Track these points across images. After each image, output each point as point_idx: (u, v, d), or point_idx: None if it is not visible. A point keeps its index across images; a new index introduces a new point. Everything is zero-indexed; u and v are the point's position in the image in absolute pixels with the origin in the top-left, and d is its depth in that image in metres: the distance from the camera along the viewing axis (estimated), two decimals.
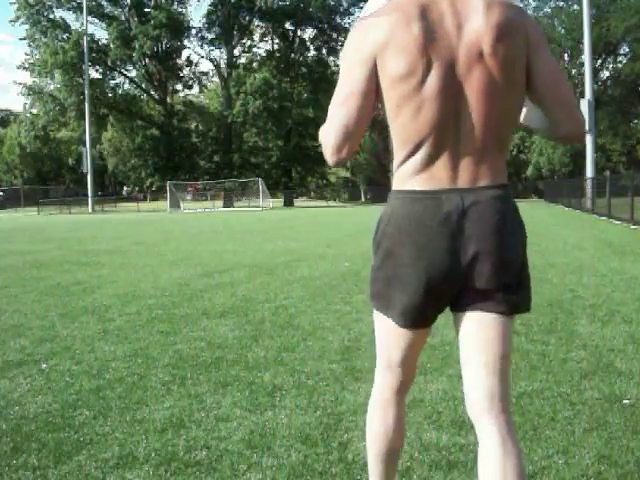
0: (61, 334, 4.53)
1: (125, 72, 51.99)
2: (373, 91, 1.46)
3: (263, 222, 22.10)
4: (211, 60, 52.74)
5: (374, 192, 52.16)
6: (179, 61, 52.30)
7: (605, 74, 53.35)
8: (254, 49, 53.24)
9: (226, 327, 4.64)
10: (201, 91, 59.24)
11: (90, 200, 46.44)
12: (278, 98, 46.54)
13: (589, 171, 26.42)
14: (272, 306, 5.40)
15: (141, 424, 2.75)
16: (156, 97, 52.23)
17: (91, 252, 11.09)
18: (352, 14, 50.63)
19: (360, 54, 1.46)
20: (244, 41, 52.31)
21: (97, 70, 51.01)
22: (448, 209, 1.43)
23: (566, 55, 54.66)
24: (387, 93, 1.45)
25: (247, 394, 3.11)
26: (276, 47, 52.80)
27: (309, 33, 53.77)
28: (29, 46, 50.28)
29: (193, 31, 51.44)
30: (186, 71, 53.14)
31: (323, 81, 46.21)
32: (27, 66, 50.38)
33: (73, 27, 49.25)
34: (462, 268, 1.44)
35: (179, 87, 54.94)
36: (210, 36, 51.25)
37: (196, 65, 62.10)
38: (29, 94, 52.58)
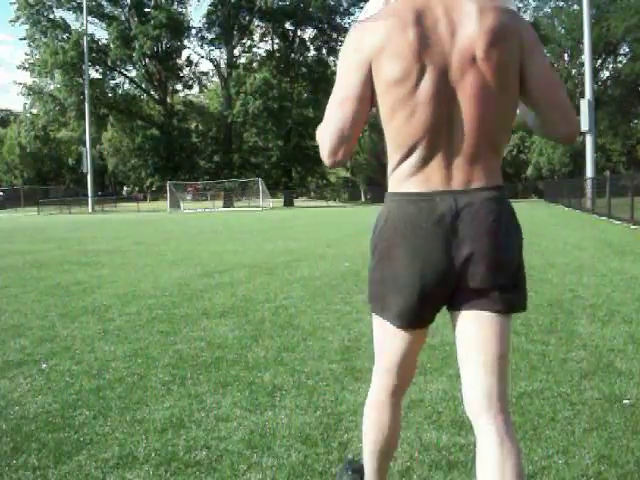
0: (61, 334, 4.53)
1: (125, 72, 52.06)
2: (368, 95, 1.49)
3: (263, 222, 22.10)
4: (211, 60, 52.82)
5: (374, 192, 52.15)
6: (179, 61, 52.33)
7: (605, 74, 53.41)
8: (254, 49, 53.33)
9: (226, 327, 4.64)
10: (201, 91, 59.27)
11: (90, 200, 46.45)
12: (278, 98, 46.54)
13: (589, 171, 26.44)
14: (272, 306, 5.40)
15: (141, 424, 2.75)
16: (156, 97, 52.24)
17: (91, 252, 11.09)
18: (352, 14, 50.70)
19: (356, 58, 1.49)
20: (244, 41, 52.32)
21: (97, 70, 51.04)
22: (442, 211, 1.45)
23: (566, 55, 54.73)
24: (382, 97, 1.48)
25: (247, 394, 3.11)
26: (276, 47, 52.83)
27: (309, 33, 53.87)
28: (29, 46, 50.35)
29: (193, 31, 51.51)
30: (186, 71, 53.23)
31: (323, 81, 46.17)
32: (27, 66, 50.39)
33: (73, 27, 49.35)
34: (456, 269, 1.46)
35: (179, 87, 55.04)
36: (210, 36, 51.29)
37: (196, 65, 62.22)
38: (29, 94, 52.59)
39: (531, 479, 2.19)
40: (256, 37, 53.08)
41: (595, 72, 42.13)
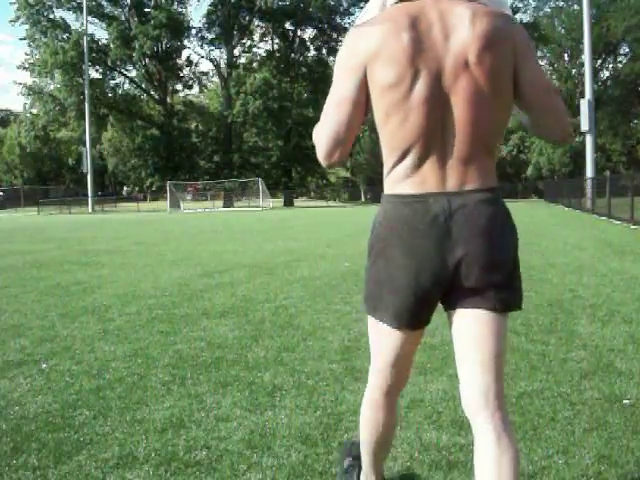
0: (61, 334, 4.54)
1: (125, 72, 52.06)
2: (363, 100, 1.52)
3: (263, 222, 22.11)
4: (211, 60, 52.81)
5: (374, 192, 52.17)
6: (179, 61, 52.31)
7: (605, 74, 53.39)
8: (254, 49, 53.30)
9: (226, 327, 4.64)
10: (201, 91, 59.28)
11: (90, 200, 46.44)
12: (278, 98, 46.52)
13: (589, 171, 26.43)
14: (272, 306, 5.40)
15: (141, 424, 2.75)
16: (156, 97, 52.23)
17: (91, 252, 11.09)
18: (352, 14, 50.70)
19: (352, 62, 1.51)
20: (244, 41, 52.31)
21: (97, 70, 51.03)
22: (435, 212, 1.47)
23: (566, 55, 54.73)
24: (376, 101, 1.50)
25: (247, 394, 3.11)
26: (276, 47, 52.80)
27: (309, 33, 53.85)
28: (29, 46, 50.34)
29: (193, 31, 51.49)
30: (186, 71, 53.21)
31: (323, 81, 46.13)
32: (27, 66, 50.39)
33: (73, 27, 49.33)
34: (450, 269, 1.48)
35: (179, 87, 55.03)
36: (210, 36, 51.28)
37: (196, 65, 62.26)
38: (29, 94, 52.59)
39: (531, 479, 2.19)
40: (256, 37, 53.13)
41: (595, 72, 42.13)
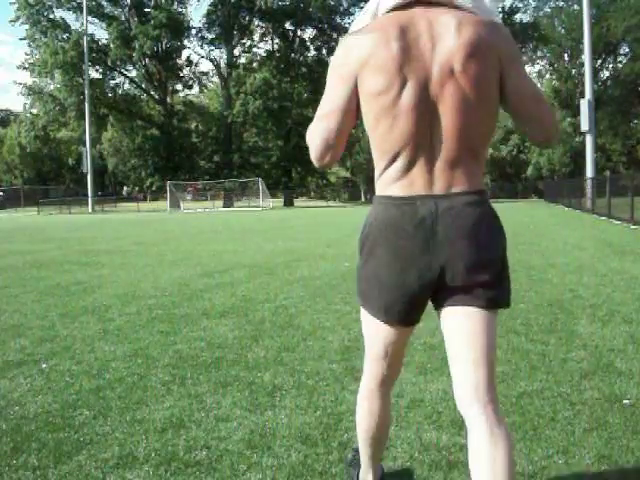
0: (61, 334, 4.54)
1: (125, 72, 52.02)
2: (353, 107, 1.59)
3: (263, 222, 22.11)
4: (211, 60, 52.76)
5: (374, 192, 52.00)
6: (179, 61, 52.27)
7: (605, 74, 53.36)
8: (254, 49, 53.22)
9: (226, 327, 4.64)
10: (201, 91, 59.26)
11: (90, 200, 46.43)
12: (278, 98, 46.49)
13: (589, 171, 26.43)
14: (272, 306, 5.40)
15: (141, 424, 2.75)
16: (156, 97, 52.21)
17: (91, 252, 11.09)
18: (352, 14, 50.62)
19: (343, 71, 1.58)
20: (244, 41, 52.27)
21: (97, 70, 50.99)
22: (422, 214, 1.53)
23: (566, 55, 54.71)
24: (366, 107, 1.57)
25: (247, 394, 3.11)
26: (276, 47, 52.76)
27: (309, 33, 53.78)
28: (29, 46, 50.28)
29: (193, 31, 51.43)
30: (186, 71, 53.17)
31: (323, 81, 45.89)
32: (27, 66, 50.36)
33: (73, 27, 49.30)
34: (436, 270, 1.54)
35: (179, 87, 54.98)
36: (210, 36, 51.23)
37: (196, 65, 62.18)
38: (29, 94, 52.57)
39: (531, 479, 2.19)
40: (256, 37, 53.06)
41: (595, 72, 42.13)
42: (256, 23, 51.99)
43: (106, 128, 55.77)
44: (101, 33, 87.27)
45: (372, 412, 1.82)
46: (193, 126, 54.53)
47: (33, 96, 52.31)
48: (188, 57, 54.77)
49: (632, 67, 48.82)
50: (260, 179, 44.50)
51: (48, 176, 72.65)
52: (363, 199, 58.67)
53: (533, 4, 54.82)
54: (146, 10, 48.97)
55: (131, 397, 3.12)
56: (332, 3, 50.63)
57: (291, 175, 51.93)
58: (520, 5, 55.20)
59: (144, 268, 8.41)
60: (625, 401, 2.87)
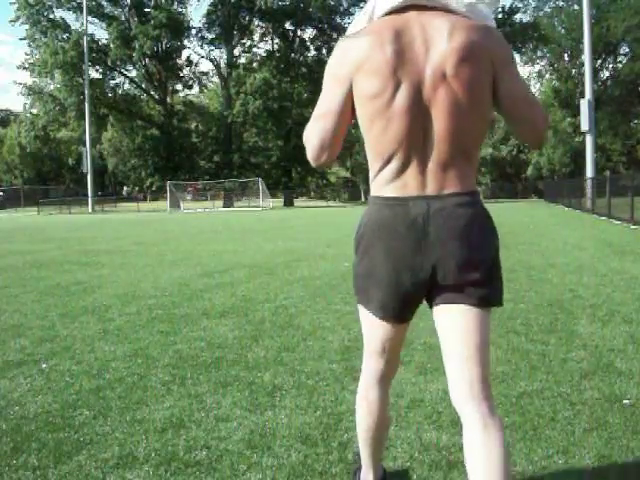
0: (61, 334, 4.54)
1: (125, 72, 52.00)
2: (348, 109, 1.63)
3: (263, 222, 22.11)
4: (211, 60, 52.73)
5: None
6: (179, 61, 52.25)
7: (605, 74, 53.35)
8: (254, 49, 53.17)
9: (226, 327, 4.64)
10: (201, 91, 59.23)
11: (90, 200, 46.43)
12: (278, 98, 46.49)
13: (589, 171, 26.42)
14: (272, 306, 5.40)
15: (141, 424, 2.75)
16: (156, 97, 52.20)
17: (91, 252, 11.10)
18: (352, 14, 50.55)
19: (339, 73, 1.62)
20: (244, 41, 52.25)
21: (97, 70, 50.96)
22: (414, 215, 1.56)
23: (566, 55, 54.70)
24: (361, 109, 1.60)
25: (247, 394, 3.11)
26: (276, 47, 52.74)
27: (309, 33, 53.76)
28: (29, 46, 50.25)
29: (193, 31, 51.40)
30: (186, 71, 53.14)
31: (323, 81, 46.02)
32: (27, 66, 50.33)
33: (73, 27, 49.26)
34: (428, 269, 1.57)
35: (179, 87, 54.96)
36: (210, 36, 51.21)
37: (196, 65, 62.13)
38: (29, 94, 52.57)
39: (531, 479, 2.19)
40: (256, 37, 53.03)
41: (595, 72, 42.12)
42: (256, 23, 51.98)
43: (106, 128, 55.77)
44: (101, 33, 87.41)
45: (371, 410, 1.85)
46: (193, 126, 54.51)
47: (33, 96, 52.31)
48: (188, 57, 54.78)
49: (632, 67, 48.82)
50: (260, 179, 44.49)
51: (48, 176, 72.65)
52: (363, 199, 58.67)
53: (533, 4, 54.70)
54: (146, 10, 48.94)
55: (131, 397, 3.12)
56: (332, 3, 50.60)
57: (291, 175, 51.91)
58: (520, 5, 55.15)
59: (144, 268, 8.41)
60: (625, 401, 2.87)
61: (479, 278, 1.57)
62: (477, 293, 1.57)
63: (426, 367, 3.43)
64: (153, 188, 52.97)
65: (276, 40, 52.73)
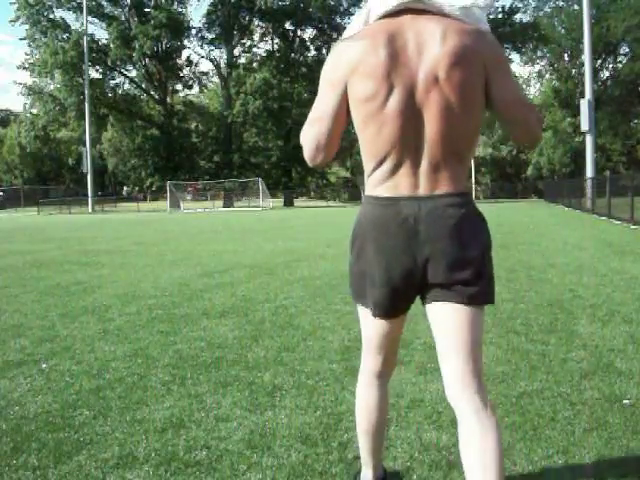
0: (61, 334, 4.54)
1: (125, 72, 51.98)
2: (343, 111, 1.66)
3: (263, 222, 22.11)
4: (211, 60, 52.71)
5: None
6: (179, 61, 52.22)
7: (605, 74, 53.34)
8: (254, 49, 53.14)
9: (226, 327, 4.64)
10: (201, 91, 59.20)
11: (90, 200, 46.41)
12: (278, 98, 46.48)
13: (589, 171, 26.43)
14: (272, 306, 5.40)
15: (141, 424, 2.75)
16: (156, 97, 52.19)
17: (91, 252, 11.10)
18: (352, 14, 50.52)
19: (334, 76, 1.65)
20: (244, 41, 52.23)
21: (97, 70, 50.94)
22: (406, 214, 1.60)
23: (566, 55, 54.70)
24: (355, 111, 1.63)
25: (247, 394, 3.11)
26: (276, 47, 52.72)
27: (309, 33, 53.73)
28: (29, 46, 50.23)
29: (193, 31, 51.36)
30: (186, 71, 53.10)
31: None
32: (27, 66, 50.32)
33: (73, 27, 49.21)
34: (418, 266, 1.61)
35: (179, 87, 54.93)
36: (210, 36, 51.18)
37: (196, 65, 61.99)
38: (29, 94, 52.56)
39: (531, 479, 2.19)
40: (256, 37, 53.00)
41: (595, 72, 42.10)
42: (256, 23, 51.96)
43: (106, 128, 55.76)
44: (101, 33, 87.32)
45: (369, 408, 1.87)
46: (193, 126, 54.49)
47: (33, 96, 52.29)
48: (188, 57, 54.75)
49: (632, 67, 48.81)
50: (260, 179, 44.47)
51: (48, 176, 72.64)
52: (363, 199, 58.60)
53: (533, 4, 54.66)
54: (146, 10, 48.91)
55: (131, 397, 3.12)
56: (332, 3, 50.59)
57: (291, 175, 51.89)
58: (520, 5, 55.04)
59: (144, 268, 8.41)
60: (625, 401, 2.87)
61: (468, 277, 1.60)
62: (467, 292, 1.61)
63: (426, 367, 3.43)
64: (153, 188, 52.96)
65: (276, 40, 52.72)
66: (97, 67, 50.72)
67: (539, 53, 56.11)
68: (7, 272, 8.35)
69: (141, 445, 2.53)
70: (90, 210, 45.34)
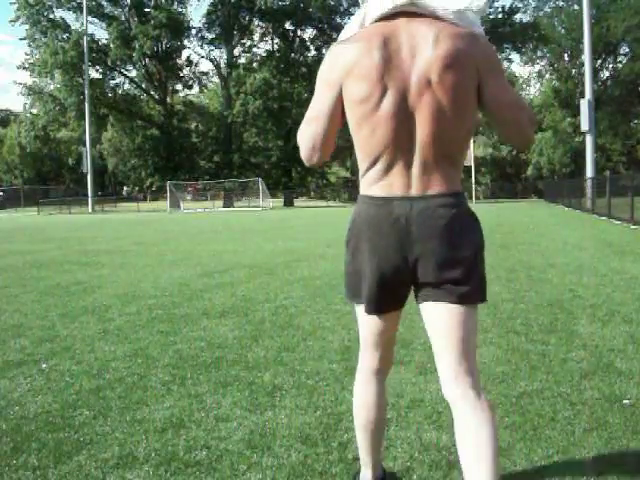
0: (61, 334, 4.54)
1: (125, 72, 51.97)
2: (338, 112, 1.69)
3: (263, 222, 22.11)
4: (211, 60, 52.71)
5: None
6: (179, 61, 52.23)
7: (605, 74, 53.34)
8: (254, 49, 53.14)
9: (226, 327, 4.64)
10: (201, 91, 59.21)
11: (90, 200, 46.41)
12: (278, 98, 46.49)
13: (589, 171, 26.42)
14: (272, 306, 5.40)
15: (141, 424, 2.75)
16: (156, 97, 52.19)
17: (91, 252, 11.10)
18: (352, 14, 50.47)
19: (331, 78, 1.68)
20: (244, 41, 52.23)
21: (97, 70, 50.95)
22: (398, 214, 1.63)
23: (566, 55, 54.71)
24: (349, 112, 1.67)
25: (247, 394, 3.11)
26: (276, 47, 52.72)
27: (309, 33, 53.73)
28: (29, 46, 50.23)
29: (193, 31, 51.38)
30: (186, 71, 53.10)
31: None
32: (27, 66, 50.32)
33: (73, 27, 49.21)
34: (409, 265, 1.65)
35: (179, 87, 54.94)
36: (210, 36, 51.20)
37: (196, 65, 61.98)
38: (29, 94, 52.58)
39: (531, 479, 2.19)
40: (256, 37, 53.00)
41: (595, 72, 42.10)
42: (256, 23, 51.96)
43: (106, 128, 55.75)
44: (101, 33, 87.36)
45: (367, 405, 1.89)
46: (193, 126, 54.49)
47: (33, 96, 52.31)
48: (188, 57, 54.72)
49: (632, 67, 48.82)
50: (260, 179, 44.47)
51: (48, 176, 72.63)
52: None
53: (533, 4, 54.73)
54: (146, 10, 48.90)
55: (131, 397, 3.12)
56: (332, 3, 50.59)
57: (291, 175, 51.89)
58: (520, 5, 55.11)
59: (144, 268, 8.41)
60: (625, 401, 2.87)
61: (458, 276, 1.62)
62: (458, 291, 1.63)
63: (426, 367, 3.43)
64: (153, 188, 52.98)
65: (276, 40, 52.72)
66: (97, 67, 50.72)
67: (539, 53, 56.12)
68: (7, 272, 8.35)
69: (141, 445, 2.53)
70: (90, 210, 45.34)
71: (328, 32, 51.76)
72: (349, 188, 63.68)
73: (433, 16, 1.63)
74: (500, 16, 48.97)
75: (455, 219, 1.63)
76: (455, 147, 1.64)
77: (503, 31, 48.17)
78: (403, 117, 1.59)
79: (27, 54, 55.07)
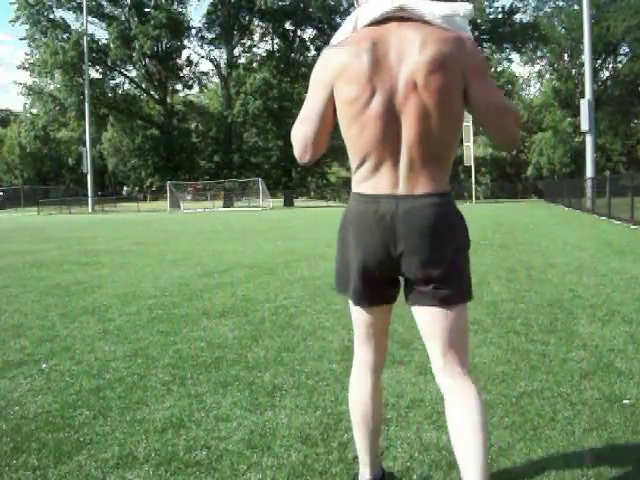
0: (61, 334, 4.54)
1: (125, 72, 51.97)
2: (330, 113, 1.76)
3: (263, 222, 22.11)
4: (211, 60, 52.70)
5: None
6: (179, 61, 52.21)
7: (605, 74, 53.33)
8: (254, 49, 53.13)
9: (226, 327, 4.64)
10: (201, 91, 59.21)
11: (90, 200, 46.40)
12: (278, 98, 46.50)
13: (589, 171, 26.42)
14: (272, 306, 5.40)
15: (141, 424, 2.75)
16: (156, 97, 52.18)
17: (91, 252, 11.09)
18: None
19: (323, 79, 1.74)
20: (244, 41, 52.22)
21: (97, 70, 50.94)
22: (384, 212, 1.69)
23: (566, 55, 54.70)
24: (340, 113, 1.74)
25: (247, 394, 3.11)
26: (276, 47, 52.72)
27: (309, 33, 53.75)
28: (29, 46, 50.20)
29: (193, 31, 51.36)
30: (186, 71, 53.08)
31: None
32: (27, 66, 50.31)
33: (73, 27, 49.20)
34: (393, 260, 1.71)
35: (179, 87, 54.92)
36: (210, 36, 51.19)
37: (196, 65, 62.04)
38: (29, 94, 52.57)
39: (531, 479, 2.19)
40: (256, 37, 52.99)
41: (595, 72, 42.10)
42: (256, 23, 51.96)
43: (106, 128, 55.75)
44: (101, 33, 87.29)
45: (363, 401, 1.92)
46: (193, 126, 54.47)
47: (33, 96, 52.30)
48: (188, 57, 54.70)
49: (632, 67, 48.83)
50: (260, 179, 44.47)
51: (48, 176, 72.62)
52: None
53: (533, 4, 54.74)
54: (146, 10, 48.86)
55: (131, 397, 3.12)
56: (332, 3, 50.59)
57: (291, 175, 51.88)
58: (520, 5, 54.96)
59: (144, 268, 8.41)
60: (625, 401, 2.87)
61: (441, 276, 1.68)
62: (440, 294, 1.70)
63: (426, 367, 3.42)
64: (153, 188, 52.95)
65: (276, 40, 52.72)
66: (97, 67, 50.71)
67: (539, 53, 56.12)
68: (7, 272, 8.35)
69: (141, 445, 2.53)
70: (90, 210, 45.34)
71: (328, 32, 51.64)
72: (349, 188, 63.66)
73: (422, 21, 1.68)
74: (500, 16, 48.99)
75: (440, 219, 1.67)
76: (442, 148, 1.69)
77: (503, 31, 48.20)
78: (390, 118, 1.64)
79: (27, 54, 55.16)
